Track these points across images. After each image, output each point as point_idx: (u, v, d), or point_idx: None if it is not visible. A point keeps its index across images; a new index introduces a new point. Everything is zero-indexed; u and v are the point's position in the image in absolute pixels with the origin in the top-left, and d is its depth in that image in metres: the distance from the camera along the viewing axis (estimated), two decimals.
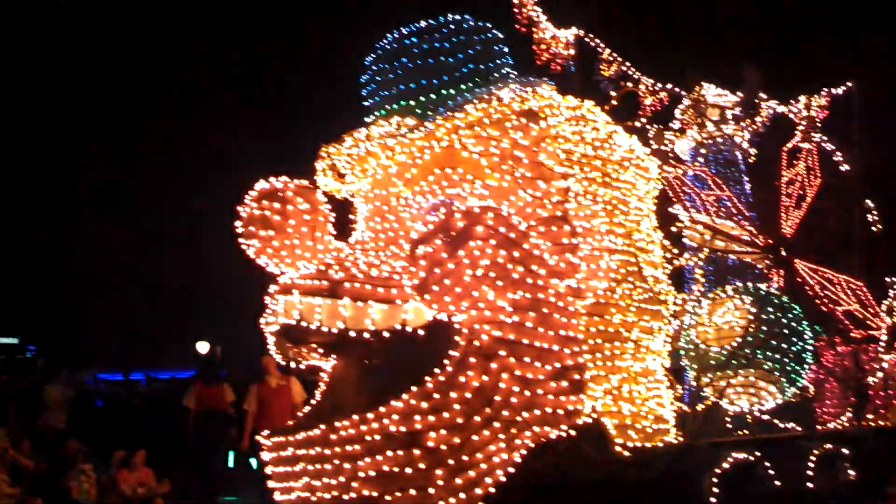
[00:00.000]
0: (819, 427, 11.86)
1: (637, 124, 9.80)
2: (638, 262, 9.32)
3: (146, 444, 13.29)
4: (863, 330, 13.27)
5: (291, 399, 13.67)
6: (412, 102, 9.85)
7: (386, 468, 7.89)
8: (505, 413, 7.95)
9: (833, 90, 14.38)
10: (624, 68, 13.80)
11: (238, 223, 9.22)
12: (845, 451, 10.70)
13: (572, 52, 13.20)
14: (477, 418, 7.87)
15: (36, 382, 14.77)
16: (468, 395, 7.89)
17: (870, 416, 12.65)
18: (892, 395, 13.07)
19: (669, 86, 13.85)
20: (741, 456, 9.57)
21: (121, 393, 25.15)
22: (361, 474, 7.98)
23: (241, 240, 9.25)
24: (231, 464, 15.64)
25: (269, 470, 8.93)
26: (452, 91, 9.76)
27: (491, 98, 9.33)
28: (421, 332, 8.48)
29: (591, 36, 13.77)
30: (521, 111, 9.11)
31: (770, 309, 10.56)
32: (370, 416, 8.15)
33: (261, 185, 9.35)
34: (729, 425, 11.36)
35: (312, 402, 9.92)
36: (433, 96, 9.79)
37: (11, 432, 12.38)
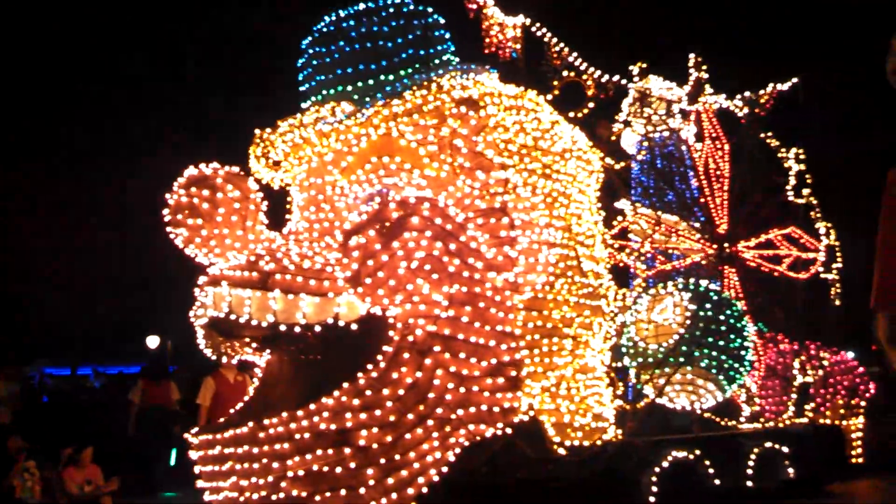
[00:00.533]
0: (759, 425, 11.76)
1: (580, 115, 9.49)
2: (578, 256, 9.09)
3: (94, 441, 12.87)
4: (804, 327, 13.23)
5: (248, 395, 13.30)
6: (349, 88, 9.55)
7: (315, 467, 7.59)
8: (439, 410, 7.68)
9: (779, 86, 14.33)
10: (571, 59, 13.57)
11: (165, 211, 8.83)
12: (785, 449, 10.65)
13: (519, 40, 12.95)
14: (410, 416, 7.60)
15: None
16: (401, 391, 7.62)
17: (810, 415, 12.63)
18: (833, 393, 13.07)
19: (616, 78, 13.65)
20: (681, 454, 9.45)
21: (68, 388, 24.58)
22: (290, 474, 7.68)
23: (168, 228, 8.86)
24: (174, 461, 15.22)
25: (197, 469, 8.56)
26: (391, 77, 9.48)
27: (430, 85, 9.05)
28: (354, 326, 8.21)
29: (539, 24, 13.52)
30: (461, 99, 8.84)
31: (709, 306, 10.41)
32: (300, 413, 7.84)
33: (190, 171, 8.96)
34: (671, 423, 11.27)
35: (245, 398, 9.60)
36: (370, 82, 9.49)
37: None
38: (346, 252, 7.71)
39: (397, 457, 7.52)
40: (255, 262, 8.52)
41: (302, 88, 10.03)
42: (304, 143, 9.32)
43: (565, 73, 10.25)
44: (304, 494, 7.61)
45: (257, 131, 9.70)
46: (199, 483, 8.53)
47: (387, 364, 7.73)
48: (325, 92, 9.67)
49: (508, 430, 7.88)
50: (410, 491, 7.52)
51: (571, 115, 9.50)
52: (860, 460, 13.13)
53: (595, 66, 13.73)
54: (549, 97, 9.54)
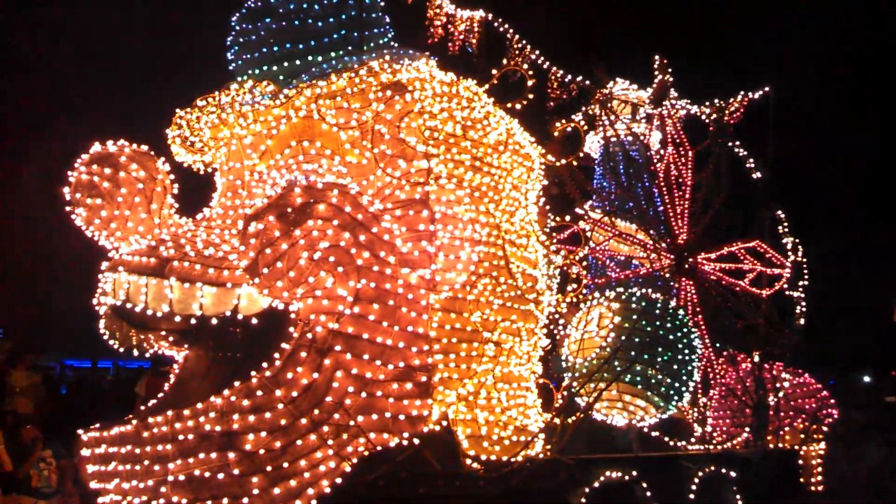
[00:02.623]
0: (706, 447, 11.10)
1: (518, 106, 8.85)
2: (506, 255, 8.42)
3: None
4: (766, 346, 12.57)
5: None
6: (274, 68, 8.93)
7: (197, 472, 6.94)
8: (336, 416, 7.03)
9: (750, 94, 13.73)
10: (533, 56, 13.03)
11: (66, 189, 8.20)
12: (732, 473, 10.02)
13: (474, 34, 12.40)
14: (303, 421, 6.95)
15: (1, 367, 13.74)
16: (295, 393, 6.97)
17: (767, 438, 11.98)
18: (791, 416, 12.44)
19: (579, 78, 13.09)
20: (615, 475, 8.81)
21: (88, 380, 24.23)
22: (171, 478, 7.04)
23: (68, 208, 8.23)
24: None
25: (88, 468, 7.91)
26: (319, 58, 8.84)
27: (359, 68, 8.43)
28: (254, 320, 7.57)
29: (501, 20, 12.98)
30: (387, 83, 8.21)
31: (645, 319, 9.65)
32: (186, 412, 7.20)
33: (95, 148, 8.32)
34: (615, 442, 10.62)
35: (159, 395, 8.95)
36: (297, 62, 8.87)
37: None
38: (244, 239, 7.07)
39: (286, 464, 6.88)
40: (155, 248, 7.90)
41: (230, 68, 9.42)
42: (221, 125, 8.69)
43: (526, 70, 9.57)
44: (184, 502, 6.97)
45: (178, 111, 9.07)
46: (92, 484, 7.87)
47: (282, 363, 7.09)
48: (250, 71, 9.06)
49: (415, 441, 7.22)
50: (298, 503, 6.86)
51: (509, 105, 8.82)
52: (819, 488, 12.52)
53: (557, 65, 13.20)
54: (486, 87, 8.86)
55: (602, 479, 8.70)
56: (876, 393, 22.15)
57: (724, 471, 9.92)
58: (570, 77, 12.98)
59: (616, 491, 8.77)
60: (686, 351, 9.74)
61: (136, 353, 9.72)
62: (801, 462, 12.24)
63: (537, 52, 13.07)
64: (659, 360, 9.44)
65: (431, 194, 7.84)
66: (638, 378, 9.30)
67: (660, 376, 9.34)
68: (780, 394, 12.36)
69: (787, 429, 12.44)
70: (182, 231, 8.25)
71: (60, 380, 22.26)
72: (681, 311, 10.26)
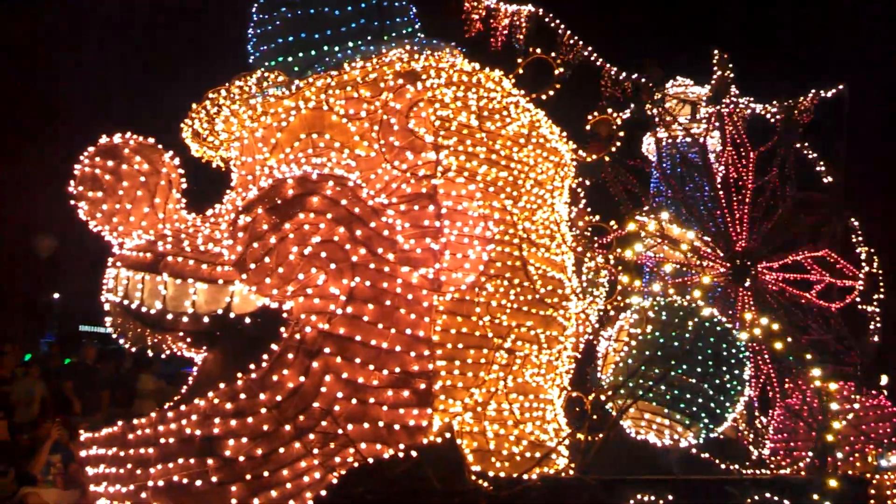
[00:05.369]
0: (756, 472, 10.17)
1: (545, 97, 8.24)
2: (522, 256, 7.78)
3: None
4: (834, 364, 11.55)
5: None
6: (290, 59, 8.55)
7: (176, 478, 6.54)
8: (323, 423, 6.52)
9: (822, 92, 12.72)
10: (585, 53, 12.39)
11: (71, 182, 7.99)
12: (787, 502, 9.10)
13: (522, 28, 11.84)
14: (287, 427, 6.47)
15: (129, 371, 13.96)
16: (280, 398, 6.51)
17: (834, 465, 10.94)
18: (862, 441, 11.38)
19: (635, 76, 12.37)
20: (647, 498, 8.04)
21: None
22: (151, 483, 6.66)
23: (73, 201, 8.00)
24: None
25: (88, 471, 7.62)
26: (336, 48, 8.43)
27: (377, 58, 7.98)
28: (248, 319, 7.17)
29: (551, 15, 12.39)
30: (400, 72, 7.72)
31: (686, 329, 8.77)
32: (170, 415, 6.84)
33: (103, 140, 8.09)
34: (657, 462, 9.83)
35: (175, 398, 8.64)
36: (313, 52, 8.48)
37: (104, 420, 11.55)
38: (233, 233, 6.66)
39: (267, 473, 6.42)
40: (153, 243, 7.59)
41: (250, 60, 9.10)
42: (232, 117, 8.37)
43: (553, 59, 8.96)
44: None
45: (194, 106, 8.80)
46: (91, 487, 7.57)
47: (269, 365, 6.64)
48: (267, 63, 8.70)
49: (413, 453, 6.65)
50: None
51: (535, 96, 8.22)
52: None
53: (611, 62, 12.55)
54: (512, 76, 8.29)
55: (632, 502, 7.95)
56: None
57: (776, 498, 9.02)
58: (624, 74, 12.27)
59: None
60: (732, 366, 8.86)
61: (150, 353, 9.49)
62: (872, 491, 11.17)
63: (590, 48, 12.41)
64: (693, 374, 8.59)
65: (440, 188, 7.29)
66: (667, 395, 8.48)
67: (690, 394, 8.49)
68: (851, 416, 11.32)
69: (857, 454, 11.39)
70: (185, 227, 7.92)
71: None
72: (725, 321, 9.37)
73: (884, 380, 12.69)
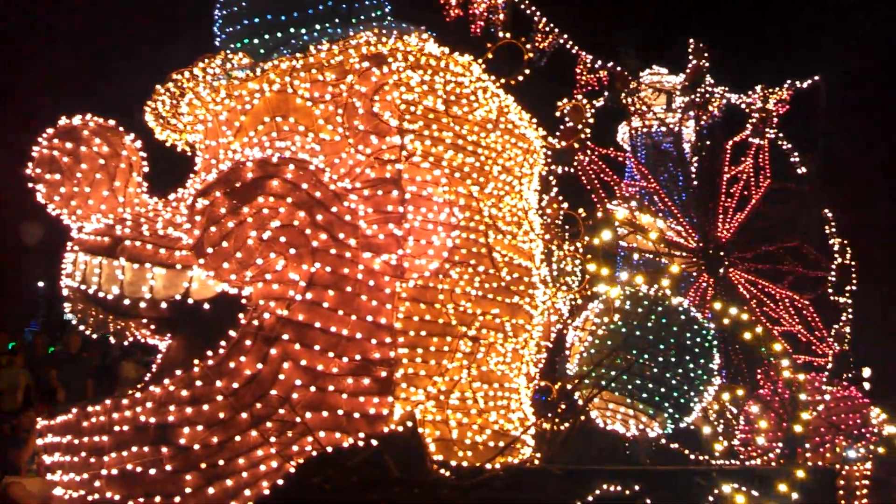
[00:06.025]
0: (723, 462, 10.12)
1: (514, 81, 8.13)
2: (488, 243, 7.68)
3: None
4: (805, 355, 11.50)
5: None
6: (256, 41, 8.38)
7: (130, 467, 6.41)
8: (281, 411, 6.41)
9: (797, 83, 12.66)
10: (561, 41, 12.27)
11: (30, 164, 7.80)
12: (755, 492, 9.06)
13: (498, 15, 11.70)
14: (244, 415, 6.36)
15: (115, 360, 13.84)
16: (236, 385, 6.38)
17: (803, 455, 10.93)
18: (832, 433, 11.34)
19: (611, 64, 12.26)
20: (614, 489, 7.96)
21: None
22: (105, 472, 6.53)
23: (31, 183, 7.82)
24: None
25: (45, 459, 7.48)
26: (303, 30, 8.27)
27: (343, 41, 7.84)
28: (206, 305, 7.04)
29: (528, 2, 12.26)
30: (366, 55, 7.58)
31: (644, 321, 8.69)
32: (124, 402, 6.70)
33: (62, 122, 7.91)
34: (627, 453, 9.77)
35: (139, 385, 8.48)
36: (279, 35, 8.31)
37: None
38: (191, 216, 6.52)
39: (222, 462, 6.30)
40: (112, 227, 7.44)
41: (216, 42, 8.93)
42: (196, 100, 8.21)
43: (523, 44, 8.85)
44: (117, 498, 6.45)
45: (158, 87, 8.63)
46: (48, 476, 7.42)
47: (226, 352, 6.52)
48: (232, 45, 8.54)
49: (372, 442, 6.54)
50: None
51: (504, 81, 8.11)
52: None
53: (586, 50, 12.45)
54: (481, 61, 8.17)
55: (598, 493, 7.87)
56: None
57: (744, 488, 8.97)
58: (599, 62, 12.17)
59: None
60: (701, 357, 8.78)
61: (112, 340, 9.33)
62: (842, 482, 11.16)
63: (566, 36, 12.30)
64: (657, 364, 8.52)
65: (404, 173, 7.17)
66: (629, 384, 8.40)
67: (654, 383, 8.41)
68: (820, 408, 11.28)
69: (826, 446, 11.36)
70: (146, 211, 7.77)
71: None
72: (694, 311, 9.30)
73: (866, 372, 12.72)
